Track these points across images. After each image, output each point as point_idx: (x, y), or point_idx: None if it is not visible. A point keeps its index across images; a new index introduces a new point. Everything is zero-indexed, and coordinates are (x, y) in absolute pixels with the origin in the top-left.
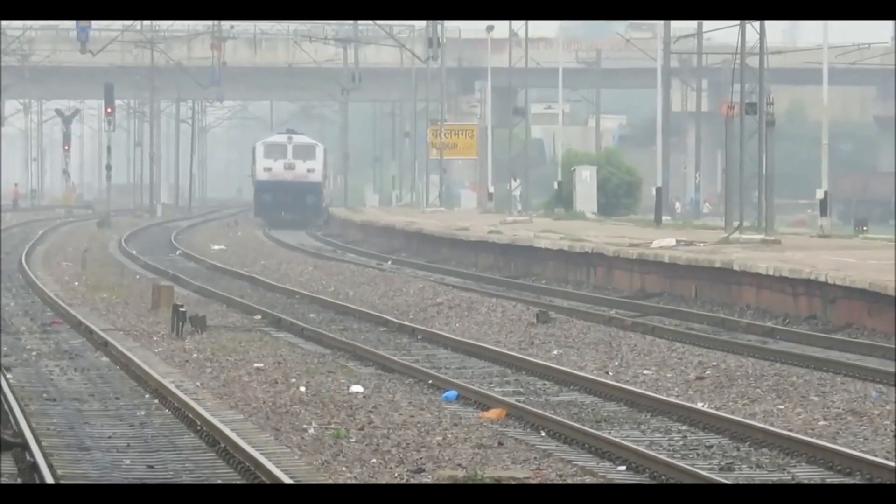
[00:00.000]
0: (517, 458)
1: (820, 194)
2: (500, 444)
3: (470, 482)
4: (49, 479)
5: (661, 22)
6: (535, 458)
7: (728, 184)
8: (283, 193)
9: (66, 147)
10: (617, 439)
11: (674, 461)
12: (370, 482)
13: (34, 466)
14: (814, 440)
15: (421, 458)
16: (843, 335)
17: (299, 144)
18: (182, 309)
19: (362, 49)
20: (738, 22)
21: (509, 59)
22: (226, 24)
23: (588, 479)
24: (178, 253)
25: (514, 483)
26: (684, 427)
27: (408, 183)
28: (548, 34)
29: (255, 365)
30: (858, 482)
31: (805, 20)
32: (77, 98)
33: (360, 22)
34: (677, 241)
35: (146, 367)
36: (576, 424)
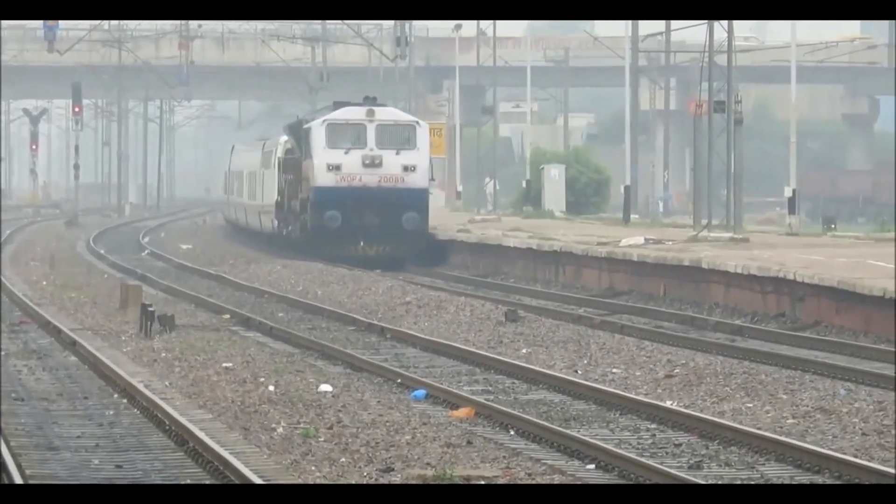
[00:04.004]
0: (486, 457)
1: (788, 192)
2: (469, 443)
3: (439, 481)
4: (17, 479)
5: (629, 22)
6: (504, 457)
7: (696, 182)
8: (363, 209)
9: (34, 147)
10: (586, 438)
11: (643, 459)
12: (339, 481)
13: (2, 466)
14: (782, 438)
15: (390, 458)
16: (812, 333)
17: (388, 123)
18: (150, 308)
19: (330, 48)
20: (705, 21)
21: (477, 58)
22: (193, 23)
23: (557, 478)
24: (146, 252)
25: (483, 482)
26: (653, 425)
27: None
28: (516, 33)
29: (224, 364)
30: (827, 480)
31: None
32: (45, 97)
33: (328, 21)
34: (646, 240)
35: (115, 367)
36: (545, 423)
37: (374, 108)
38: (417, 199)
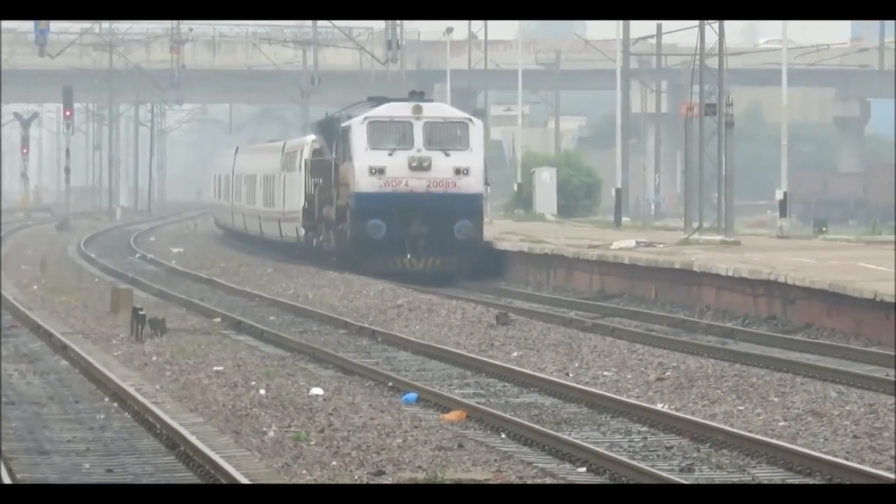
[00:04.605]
0: (477, 461)
1: (779, 195)
2: (461, 446)
3: (430, 484)
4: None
5: (621, 24)
6: (495, 460)
7: (687, 185)
8: (410, 217)
9: (25, 150)
10: (577, 441)
11: (634, 462)
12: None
13: None
14: (774, 441)
15: (381, 461)
16: (803, 336)
17: (437, 121)
18: (141, 312)
19: (321, 51)
20: (697, 23)
21: (468, 61)
22: (184, 26)
23: (549, 482)
24: (137, 256)
25: (474, 484)
26: (644, 428)
27: None
28: (507, 36)
29: (215, 368)
30: (819, 483)
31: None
32: (36, 101)
33: (319, 24)
34: (637, 243)
35: (105, 371)
36: (536, 426)
37: (422, 104)
38: (471, 206)
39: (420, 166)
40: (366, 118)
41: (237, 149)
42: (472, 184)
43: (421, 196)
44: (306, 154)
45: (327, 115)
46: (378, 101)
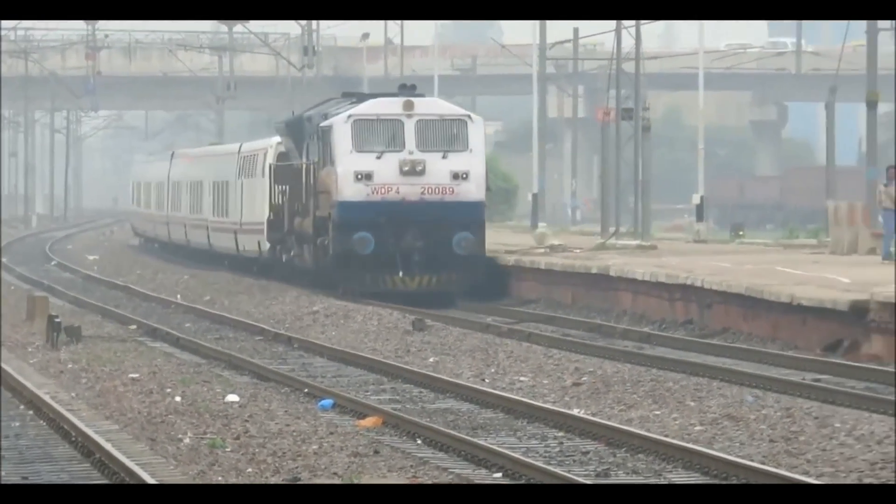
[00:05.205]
0: (393, 466)
1: (696, 199)
2: (377, 452)
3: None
4: None
5: (538, 28)
6: (411, 466)
7: (604, 190)
8: (402, 230)
9: None
10: (493, 446)
11: (550, 468)
12: None
13: None
14: (690, 445)
15: (297, 467)
16: (720, 340)
17: (432, 118)
18: (57, 319)
19: (237, 57)
20: (614, 28)
21: (385, 67)
22: (100, 33)
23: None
24: (53, 263)
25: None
26: (560, 433)
27: None
28: (423, 41)
29: (131, 375)
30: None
31: (689, 20)
32: None
33: (235, 30)
34: (553, 248)
35: (21, 379)
36: (452, 432)
37: (413, 100)
38: (471, 216)
39: (413, 171)
40: (350, 116)
41: (173, 154)
42: (473, 190)
43: (414, 205)
44: (270, 158)
45: (294, 114)
46: (359, 97)
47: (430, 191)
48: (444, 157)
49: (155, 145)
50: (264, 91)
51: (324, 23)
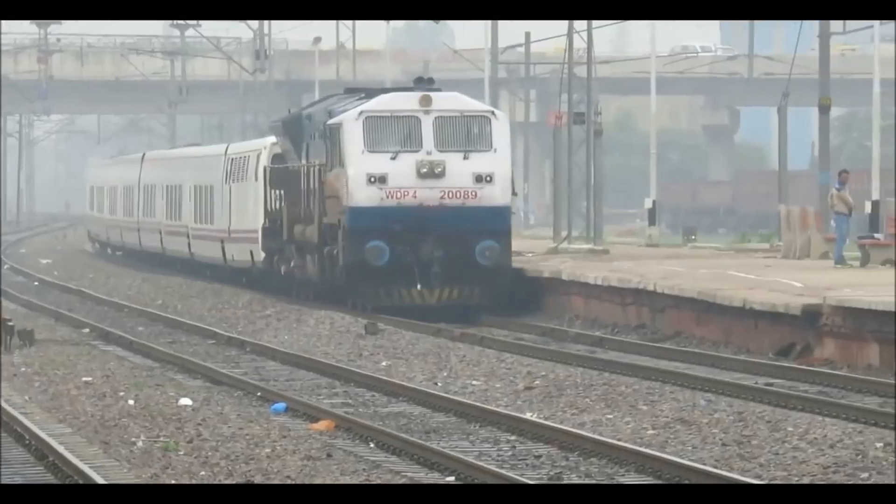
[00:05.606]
0: (346, 470)
1: (648, 204)
2: (329, 455)
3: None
4: None
5: (489, 33)
6: (363, 470)
7: (556, 194)
8: (420, 238)
9: None
10: (445, 450)
11: (502, 471)
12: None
13: None
14: (642, 449)
15: (250, 471)
16: (672, 344)
17: (452, 114)
18: (10, 323)
19: (190, 62)
20: (565, 32)
21: (337, 71)
22: (52, 36)
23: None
24: (5, 267)
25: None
26: (513, 437)
27: None
28: (375, 46)
29: (84, 378)
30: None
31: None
32: None
33: (187, 34)
34: None
35: None
36: (404, 436)
37: (431, 94)
38: (496, 223)
39: (431, 173)
40: (361, 112)
41: (144, 156)
42: (497, 194)
43: (433, 210)
44: (265, 160)
45: (290, 112)
46: (367, 92)
47: (450, 195)
48: (465, 157)
49: (108, 149)
50: (216, 95)
51: (275, 27)
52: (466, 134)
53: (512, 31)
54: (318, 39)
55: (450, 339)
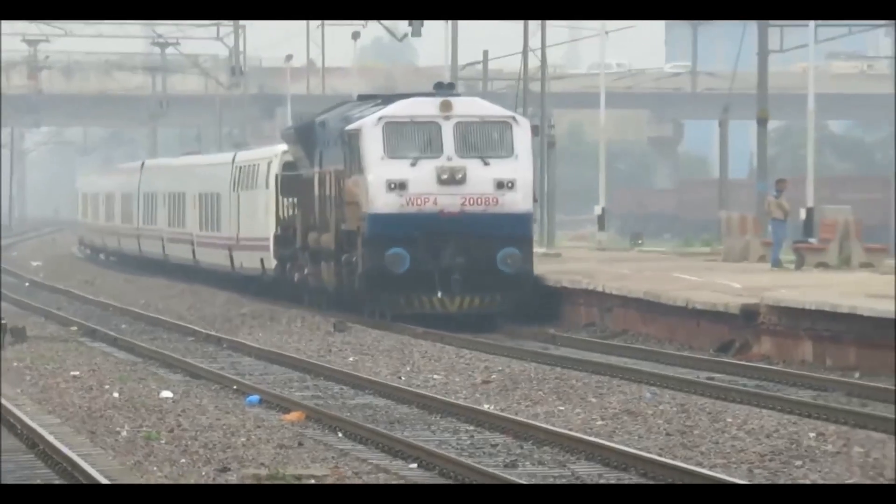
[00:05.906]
0: (316, 458)
1: (598, 210)
2: (301, 444)
3: (272, 481)
4: None
5: (450, 50)
6: (332, 457)
7: None
8: (440, 245)
9: None
10: (409, 439)
11: (462, 459)
12: (180, 481)
13: None
14: (592, 438)
15: (226, 458)
16: (620, 341)
17: (472, 120)
18: (3, 321)
19: (169, 77)
20: (521, 49)
21: (307, 87)
22: (41, 53)
23: (382, 477)
24: None
25: (313, 481)
26: (471, 427)
27: None
28: (343, 63)
29: (72, 373)
30: (633, 478)
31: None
32: None
33: (167, 51)
34: None
35: None
36: (370, 426)
37: (451, 99)
38: (518, 230)
39: (452, 179)
40: (380, 118)
41: (143, 163)
42: (519, 200)
43: (454, 217)
44: (276, 168)
45: (301, 118)
46: (384, 98)
47: (471, 201)
48: (486, 163)
49: (94, 159)
50: (195, 108)
51: (250, 45)
52: (487, 140)
53: (470, 49)
54: (289, 57)
55: (412, 337)
